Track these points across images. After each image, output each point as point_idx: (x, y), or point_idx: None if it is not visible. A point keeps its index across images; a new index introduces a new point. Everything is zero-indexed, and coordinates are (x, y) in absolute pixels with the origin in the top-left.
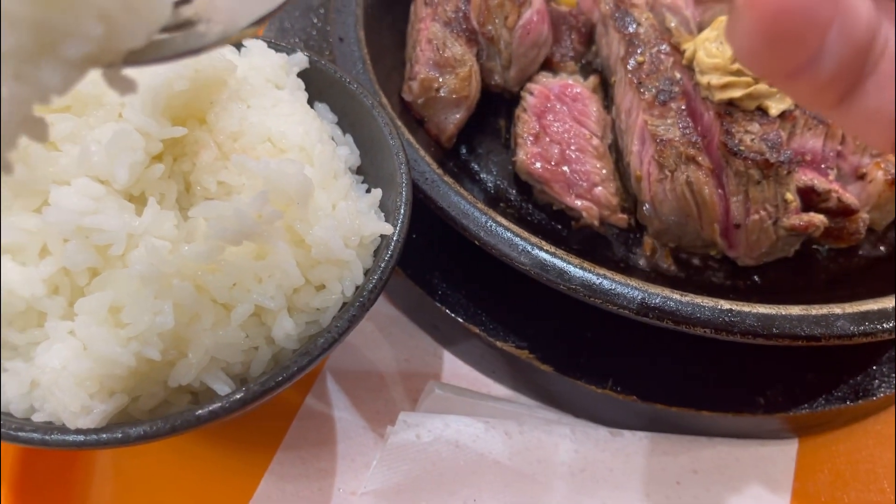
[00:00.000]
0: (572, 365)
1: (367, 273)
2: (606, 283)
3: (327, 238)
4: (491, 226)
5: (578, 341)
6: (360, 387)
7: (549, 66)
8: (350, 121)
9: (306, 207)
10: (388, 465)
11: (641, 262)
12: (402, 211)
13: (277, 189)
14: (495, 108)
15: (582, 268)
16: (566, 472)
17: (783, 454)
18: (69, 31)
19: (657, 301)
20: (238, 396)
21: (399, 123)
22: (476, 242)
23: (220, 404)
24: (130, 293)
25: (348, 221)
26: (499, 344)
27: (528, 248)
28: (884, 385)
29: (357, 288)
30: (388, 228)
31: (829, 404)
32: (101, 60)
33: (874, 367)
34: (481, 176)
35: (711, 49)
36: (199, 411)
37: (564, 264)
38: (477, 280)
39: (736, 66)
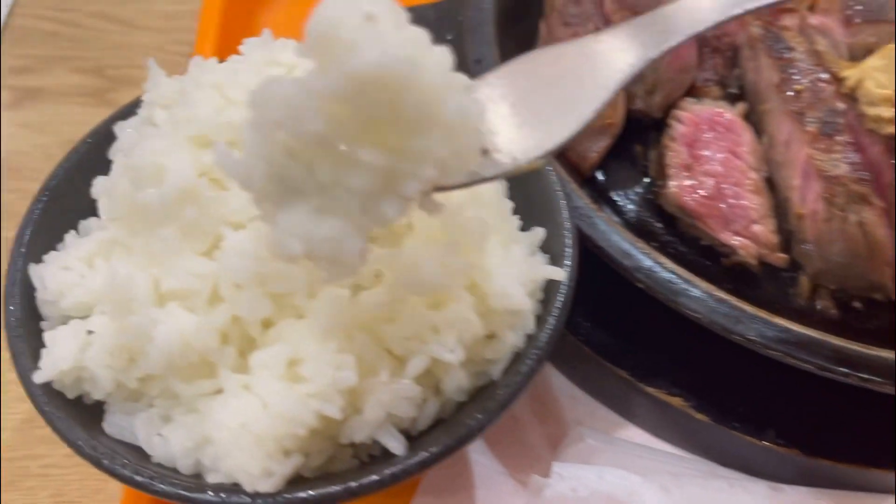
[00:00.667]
0: (729, 414)
1: (538, 320)
2: (788, 336)
3: (507, 286)
4: (657, 269)
5: (734, 387)
6: (496, 429)
7: (691, 90)
8: None
9: (482, 252)
10: None
11: (796, 302)
12: (571, 252)
13: (462, 236)
14: (630, 133)
15: (757, 318)
16: None
17: None
18: (410, 174)
19: (846, 355)
20: (417, 459)
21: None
22: (639, 286)
23: (401, 467)
24: (310, 346)
25: (523, 265)
26: (649, 389)
27: (700, 294)
28: None
29: (529, 337)
30: (559, 273)
31: None
32: (427, 192)
33: None
34: (620, 205)
35: (882, 79)
36: (380, 476)
37: (740, 314)
38: (623, 318)
39: None
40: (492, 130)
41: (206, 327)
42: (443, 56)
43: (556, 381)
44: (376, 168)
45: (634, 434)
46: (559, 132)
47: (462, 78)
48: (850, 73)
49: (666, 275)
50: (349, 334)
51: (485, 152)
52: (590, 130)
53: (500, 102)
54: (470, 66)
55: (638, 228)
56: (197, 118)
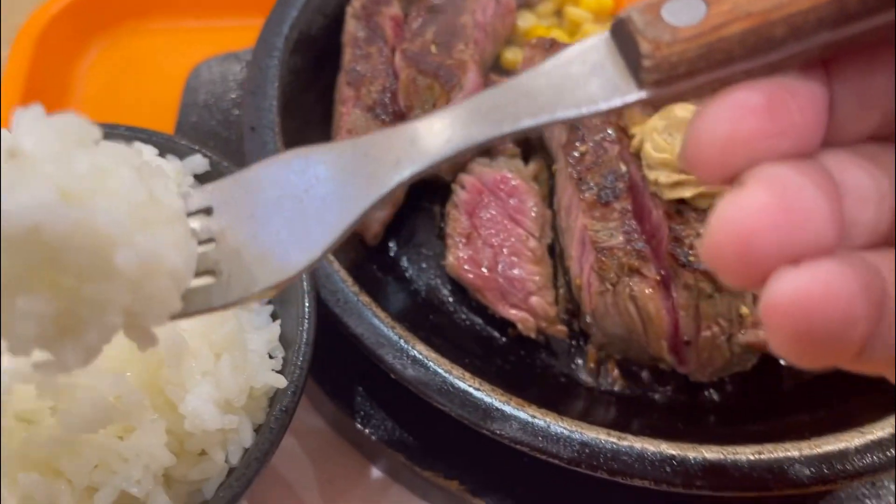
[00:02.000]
0: (508, 496)
1: (258, 430)
2: (539, 425)
3: (202, 407)
4: (405, 361)
5: (515, 471)
6: None
7: (487, 149)
8: None
9: (179, 368)
10: None
11: (584, 375)
12: (302, 356)
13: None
14: (430, 192)
15: (510, 406)
16: None
17: None
18: (90, 322)
19: (589, 448)
20: None
21: None
22: (392, 376)
23: None
24: None
25: (232, 379)
26: (425, 473)
27: (450, 387)
28: None
29: (245, 451)
30: (280, 381)
31: None
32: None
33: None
34: (410, 274)
35: (659, 142)
36: None
37: (490, 405)
38: (402, 400)
39: None
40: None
41: None
42: (131, 188)
43: (349, 458)
44: (41, 316)
45: None
46: (296, 259)
47: (168, 208)
48: (638, 130)
49: (413, 366)
50: (12, 475)
51: (212, 272)
52: None
53: (229, 222)
54: (244, 133)
55: (426, 299)
56: None
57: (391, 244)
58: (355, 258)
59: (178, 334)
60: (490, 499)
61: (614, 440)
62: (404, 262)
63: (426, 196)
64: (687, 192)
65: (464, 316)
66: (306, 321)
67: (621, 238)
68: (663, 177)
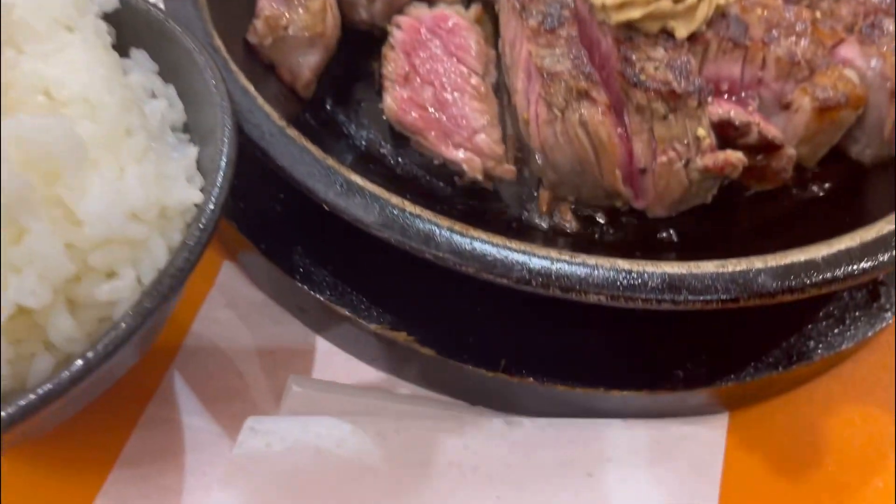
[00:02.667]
0: (459, 346)
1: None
2: (480, 247)
3: (103, 212)
4: (340, 185)
5: (465, 319)
6: (216, 387)
7: None
8: (173, 70)
9: (79, 175)
10: (235, 481)
11: (538, 220)
12: (221, 173)
13: (38, 152)
14: (368, 49)
15: (451, 230)
16: (456, 473)
17: (711, 432)
18: None
19: (541, 265)
20: None
21: (234, 69)
22: (325, 207)
23: None
24: None
25: (140, 190)
26: (372, 327)
27: (387, 209)
28: (821, 346)
29: (159, 272)
30: (195, 196)
31: (760, 373)
32: None
33: (810, 327)
34: (350, 129)
35: None
36: None
37: (430, 227)
38: (345, 255)
39: None
40: None
41: None
42: None
43: (290, 329)
44: None
45: (370, 375)
46: None
47: None
48: None
49: (347, 189)
50: None
51: None
52: (297, 43)
53: None
54: None
55: (367, 154)
56: None
57: (328, 101)
58: (289, 112)
59: (77, 140)
60: (438, 348)
61: (566, 258)
62: (341, 118)
63: (364, 54)
64: (635, 13)
65: (408, 168)
66: (226, 139)
67: (568, 63)
68: None
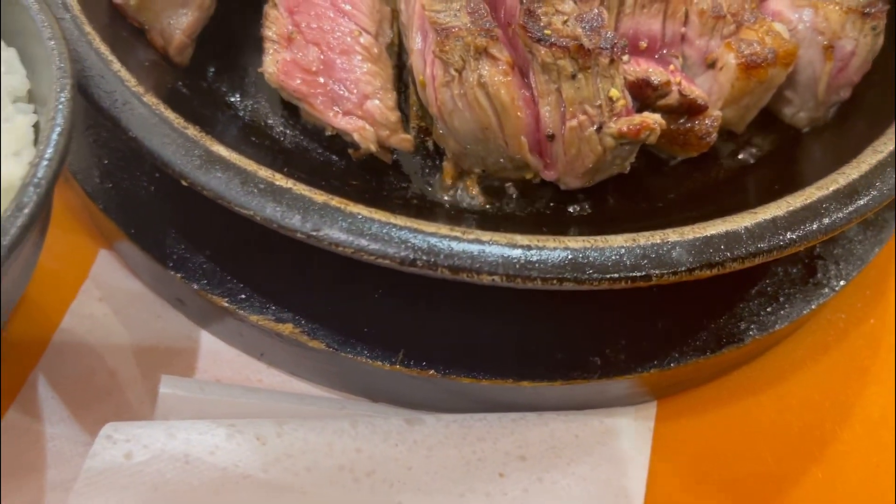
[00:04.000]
0: (352, 337)
1: None
2: (359, 224)
3: None
4: (198, 158)
5: (358, 307)
6: (86, 390)
7: None
8: (14, 33)
9: None
10: (88, 499)
11: (443, 196)
12: (52, 144)
13: None
14: (255, 12)
15: (326, 206)
16: (347, 479)
17: (637, 423)
18: None
19: (427, 243)
20: None
21: (89, 31)
22: (183, 182)
23: None
24: None
25: None
26: (253, 318)
27: (253, 183)
28: (753, 327)
29: None
30: (17, 171)
31: (686, 357)
32: None
33: (741, 306)
34: (233, 100)
35: None
36: None
37: (299, 201)
38: (224, 240)
39: None
40: None
41: None
42: None
43: (172, 324)
44: None
45: (266, 376)
46: None
47: None
48: None
49: (208, 162)
50: None
51: None
52: (166, 3)
53: None
54: None
55: (251, 126)
56: None
57: (209, 69)
58: (161, 82)
59: None
60: (328, 340)
61: (458, 234)
62: (224, 87)
63: (251, 15)
64: None
65: (297, 141)
66: (60, 107)
67: (466, 19)
68: None
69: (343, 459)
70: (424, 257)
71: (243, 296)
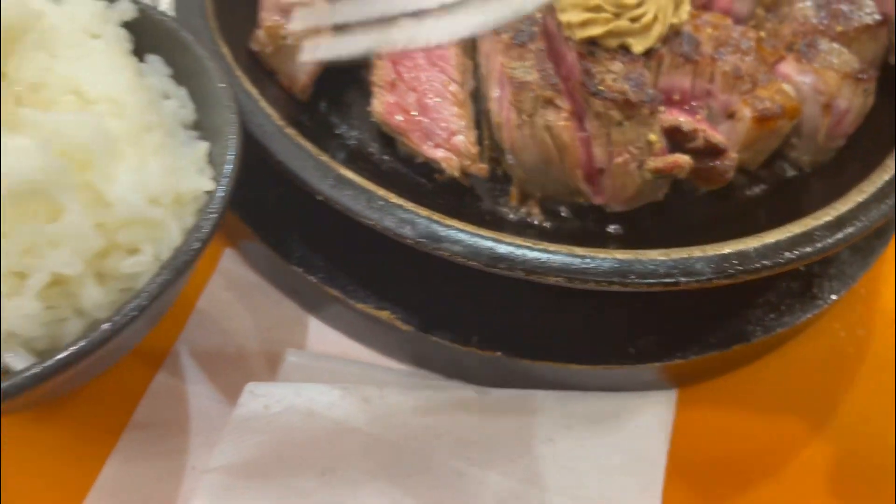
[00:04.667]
0: (435, 323)
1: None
2: (454, 234)
3: (128, 196)
4: (332, 179)
5: (441, 298)
6: (218, 360)
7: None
8: (185, 74)
9: (108, 164)
10: (236, 439)
11: (509, 214)
12: (229, 165)
13: (72, 144)
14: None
15: (429, 219)
16: (431, 435)
17: (660, 405)
18: None
19: (505, 251)
20: (36, 371)
21: (239, 74)
22: (318, 197)
23: (11, 382)
24: None
25: (158, 178)
26: (358, 306)
27: (373, 201)
28: (759, 329)
29: (175, 250)
30: (207, 184)
31: (704, 351)
32: None
33: (750, 311)
34: (341, 130)
35: None
36: None
37: (410, 215)
38: (336, 241)
39: (595, 0)
40: None
41: None
42: None
43: (286, 310)
44: None
45: (363, 354)
46: None
47: None
48: None
49: (338, 183)
50: None
51: None
52: (296, 52)
53: None
54: None
55: (356, 152)
56: None
57: (322, 104)
58: (287, 113)
59: (107, 133)
60: (417, 325)
61: (529, 244)
62: (334, 120)
63: (355, 63)
64: (597, 30)
65: (392, 165)
66: (233, 136)
67: (536, 75)
68: (574, 16)
69: (428, 420)
70: (506, 262)
71: (350, 288)
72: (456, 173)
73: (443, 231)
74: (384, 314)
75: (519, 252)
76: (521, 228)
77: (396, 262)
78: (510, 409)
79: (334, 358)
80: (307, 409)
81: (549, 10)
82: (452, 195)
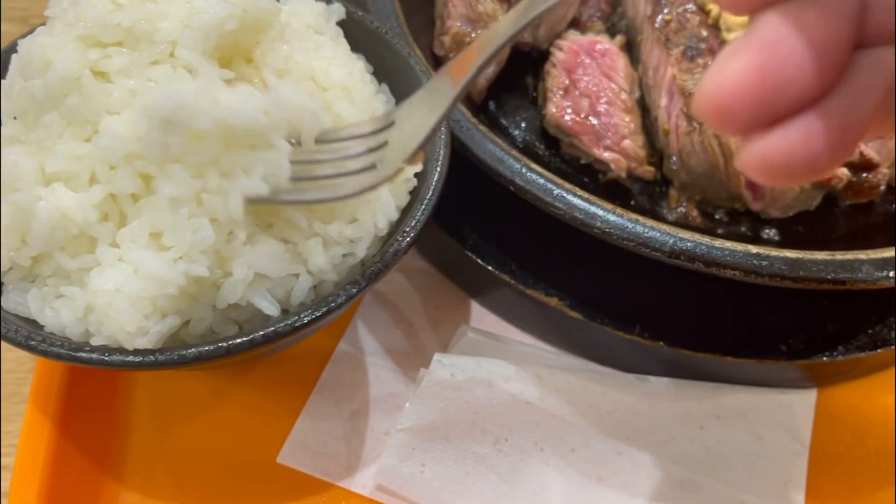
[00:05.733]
0: (600, 311)
1: (405, 210)
2: (639, 227)
3: None
4: (525, 172)
5: (606, 288)
6: (391, 334)
7: (576, 25)
8: (385, 72)
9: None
10: (423, 403)
11: (667, 214)
12: (441, 152)
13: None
14: (521, 66)
15: (615, 213)
16: (594, 414)
17: (803, 402)
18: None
19: (688, 245)
20: (290, 321)
21: (431, 74)
22: (511, 188)
23: (272, 328)
24: (166, 216)
25: None
26: (528, 291)
27: (563, 193)
28: None
29: (393, 224)
30: (419, 167)
31: (848, 353)
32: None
33: (892, 318)
34: (510, 130)
35: None
36: (254, 335)
37: (597, 209)
38: (507, 229)
39: None
40: None
41: (84, 203)
42: None
43: (450, 292)
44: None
45: (517, 335)
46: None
47: None
48: (714, 6)
49: (532, 176)
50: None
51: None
52: None
53: None
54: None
55: (524, 150)
56: (84, 19)
57: (491, 105)
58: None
59: (338, 116)
60: (583, 311)
61: (708, 239)
62: (503, 121)
63: (519, 70)
64: None
65: (557, 165)
66: (443, 128)
67: None
68: (740, 35)
69: (593, 399)
70: (685, 254)
71: (521, 274)
72: (623, 174)
73: (628, 223)
74: (553, 300)
75: (700, 247)
76: (679, 228)
77: (564, 253)
78: (665, 395)
79: (504, 337)
80: (487, 380)
81: (714, 29)
82: (614, 195)
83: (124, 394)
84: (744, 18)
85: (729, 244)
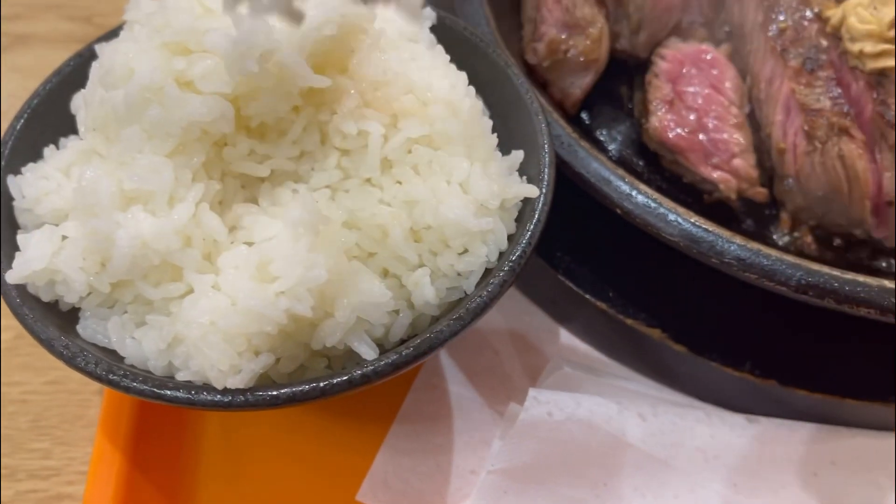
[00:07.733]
0: (707, 345)
1: (511, 238)
2: (763, 259)
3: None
4: (635, 195)
5: (713, 319)
6: (475, 362)
7: (676, 32)
8: (479, 81)
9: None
10: (517, 443)
11: (777, 239)
12: (547, 173)
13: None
14: (615, 75)
15: (733, 241)
16: (700, 458)
17: None
18: None
19: (819, 279)
20: (391, 360)
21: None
22: (618, 211)
23: (371, 368)
24: (281, 245)
25: (485, 184)
26: (628, 321)
27: (677, 219)
28: None
29: (501, 254)
30: (532, 191)
31: None
32: None
33: None
34: (604, 143)
35: (865, 15)
36: (352, 375)
37: (716, 237)
38: (602, 251)
39: (893, 32)
40: None
41: (166, 229)
42: None
43: (537, 318)
44: None
45: (611, 368)
46: None
47: None
48: (834, 13)
49: (642, 199)
50: (325, 233)
51: None
52: (573, 66)
53: None
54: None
55: (620, 166)
56: (172, 25)
57: (584, 116)
58: None
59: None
60: (690, 344)
61: (837, 273)
62: (598, 134)
63: (613, 79)
64: (891, 61)
65: (658, 182)
66: (546, 143)
67: (828, 102)
68: (868, 47)
69: (699, 441)
70: (814, 290)
71: (620, 302)
72: (732, 195)
73: (751, 255)
74: (655, 332)
75: (830, 282)
76: (801, 258)
77: (667, 280)
78: (777, 439)
79: (603, 372)
80: (587, 420)
81: (833, 38)
82: (717, 215)
83: (195, 423)
84: (869, 27)
85: (862, 279)
